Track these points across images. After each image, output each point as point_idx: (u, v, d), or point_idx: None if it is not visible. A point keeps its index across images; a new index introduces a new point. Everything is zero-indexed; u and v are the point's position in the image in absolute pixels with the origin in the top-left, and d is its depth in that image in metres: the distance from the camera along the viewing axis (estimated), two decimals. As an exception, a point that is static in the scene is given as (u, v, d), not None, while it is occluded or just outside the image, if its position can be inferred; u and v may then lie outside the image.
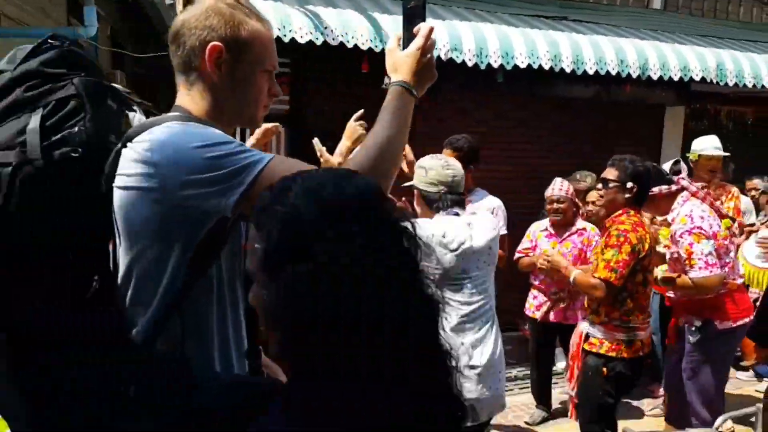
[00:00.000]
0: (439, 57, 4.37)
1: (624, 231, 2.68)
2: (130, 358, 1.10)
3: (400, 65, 1.26)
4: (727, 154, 4.59)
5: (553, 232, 4.14)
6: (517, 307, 4.46)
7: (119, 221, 1.12)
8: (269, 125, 3.07)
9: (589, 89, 5.99)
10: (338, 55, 4.49)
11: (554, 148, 5.78)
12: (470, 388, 2.29)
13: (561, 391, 4.53)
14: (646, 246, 2.70)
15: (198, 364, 1.14)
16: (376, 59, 4.78)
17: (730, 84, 5.34)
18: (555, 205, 4.06)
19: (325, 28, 4.10)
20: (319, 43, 4.09)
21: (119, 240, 1.14)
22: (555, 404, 4.38)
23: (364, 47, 4.25)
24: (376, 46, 4.23)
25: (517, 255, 4.17)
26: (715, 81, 5.27)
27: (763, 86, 5.46)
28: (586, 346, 2.84)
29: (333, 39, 4.16)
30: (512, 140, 5.86)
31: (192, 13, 1.20)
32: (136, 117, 1.23)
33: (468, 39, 4.48)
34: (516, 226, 4.20)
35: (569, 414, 3.06)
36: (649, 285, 2.81)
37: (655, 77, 5.06)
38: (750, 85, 5.41)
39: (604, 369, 2.75)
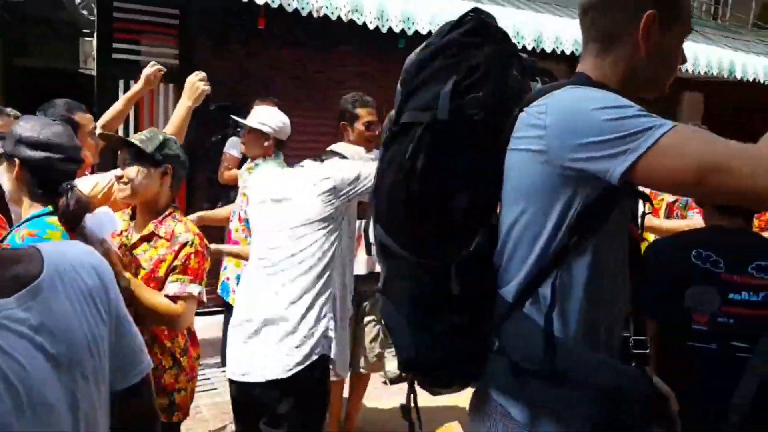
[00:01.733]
0: (339, 18, 4.22)
1: None
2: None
3: None
4: None
5: None
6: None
7: (507, 181, 1.20)
8: (149, 70, 2.77)
9: (487, 59, 6.05)
10: (232, 9, 4.22)
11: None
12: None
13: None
14: None
15: (560, 338, 1.15)
16: (273, 15, 4.55)
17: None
18: None
19: (218, -22, 3.83)
20: (210, -6, 3.81)
21: (504, 198, 1.22)
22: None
23: (260, 1, 4.01)
24: (273, 1, 4.01)
25: None
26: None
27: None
28: None
29: (226, -9, 3.89)
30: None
31: None
32: (538, 86, 1.28)
33: (369, 1, 4.36)
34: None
35: None
36: None
37: (548, 50, 5.20)
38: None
39: None
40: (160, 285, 1.96)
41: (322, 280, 2.19)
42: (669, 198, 3.31)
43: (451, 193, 1.18)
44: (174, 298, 1.93)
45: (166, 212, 2.06)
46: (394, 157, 1.21)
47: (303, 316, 2.15)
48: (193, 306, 2.00)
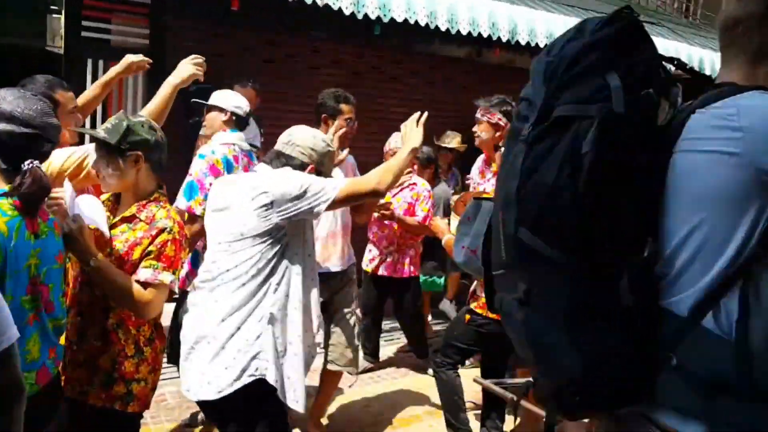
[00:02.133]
0: (314, 2, 4.18)
1: None
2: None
3: None
4: None
5: None
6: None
7: (677, 185, 1.16)
8: (136, 58, 2.79)
9: (462, 49, 6.07)
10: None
11: (425, 106, 5.85)
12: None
13: (399, 348, 4.74)
14: None
15: (754, 352, 1.08)
16: (247, -2, 4.48)
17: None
18: None
19: (191, -43, 3.75)
20: (183, -27, 3.73)
21: (674, 204, 1.17)
22: (386, 357, 4.56)
23: (235, -17, 3.95)
24: (248, -16, 3.95)
25: None
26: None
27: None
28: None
29: (199, -29, 3.81)
30: (385, 95, 5.83)
31: None
32: (679, 93, 1.28)
33: (345, -14, 4.32)
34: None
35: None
36: None
37: (523, 42, 5.23)
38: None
39: (467, 316, 2.98)
40: (133, 268, 1.92)
41: (255, 299, 2.06)
42: None
43: (620, 189, 1.15)
44: (145, 284, 1.89)
45: (152, 197, 2.02)
46: (544, 154, 1.16)
47: (231, 335, 2.04)
48: (164, 294, 1.96)
